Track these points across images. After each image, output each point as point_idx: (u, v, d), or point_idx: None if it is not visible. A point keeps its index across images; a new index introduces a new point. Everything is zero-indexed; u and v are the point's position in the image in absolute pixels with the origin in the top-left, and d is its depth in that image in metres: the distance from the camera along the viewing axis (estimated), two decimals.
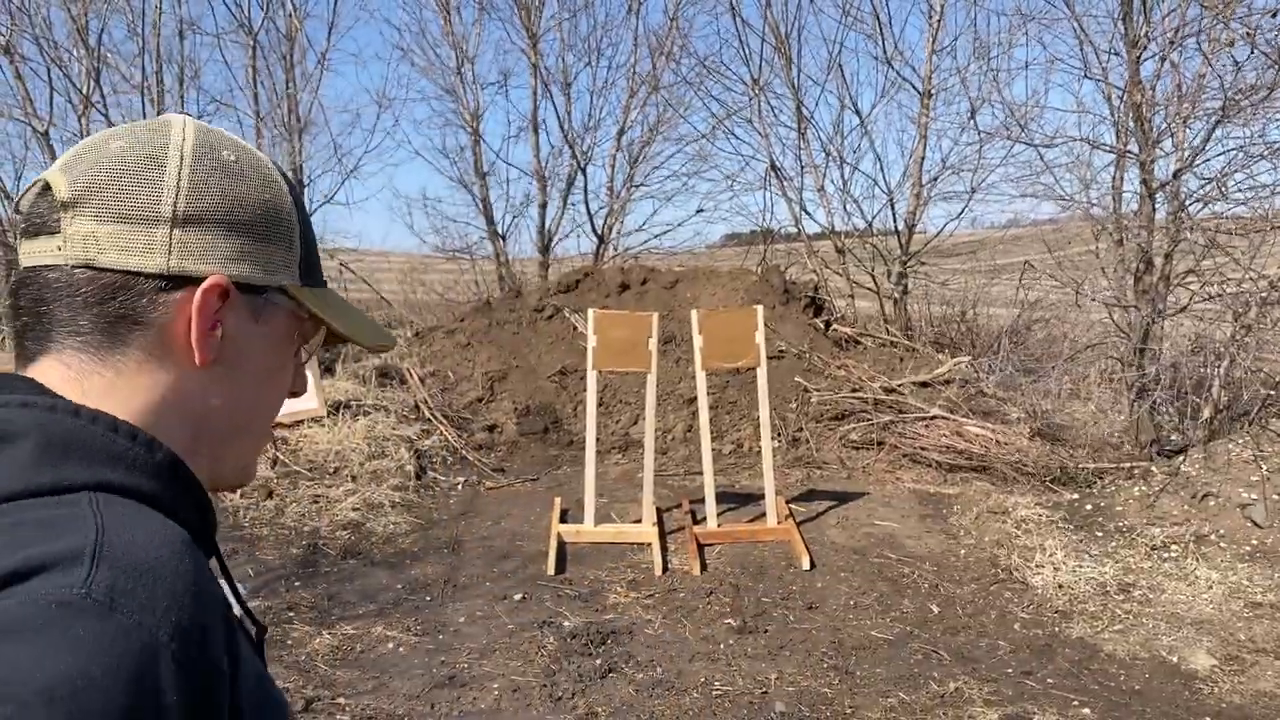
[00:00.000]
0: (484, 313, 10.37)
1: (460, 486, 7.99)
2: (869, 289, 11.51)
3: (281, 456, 7.86)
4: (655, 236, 15.13)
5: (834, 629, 5.64)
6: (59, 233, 0.79)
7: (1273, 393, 7.51)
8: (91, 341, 0.80)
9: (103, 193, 0.79)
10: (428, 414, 8.86)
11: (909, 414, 8.74)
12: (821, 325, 10.30)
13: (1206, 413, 8.02)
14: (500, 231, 15.23)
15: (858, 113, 11.16)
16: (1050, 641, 5.48)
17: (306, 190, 14.24)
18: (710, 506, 6.84)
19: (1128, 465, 7.54)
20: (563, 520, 7.10)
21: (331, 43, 14.58)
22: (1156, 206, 7.83)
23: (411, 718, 4.76)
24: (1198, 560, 6.29)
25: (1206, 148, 7.18)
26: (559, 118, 14.65)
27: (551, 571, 6.33)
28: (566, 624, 5.70)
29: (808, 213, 11.29)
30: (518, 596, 6.06)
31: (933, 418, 8.62)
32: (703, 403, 6.81)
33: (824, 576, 6.31)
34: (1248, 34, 6.22)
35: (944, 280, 11.77)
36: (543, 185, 14.95)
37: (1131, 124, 7.66)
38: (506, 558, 6.65)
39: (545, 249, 15.16)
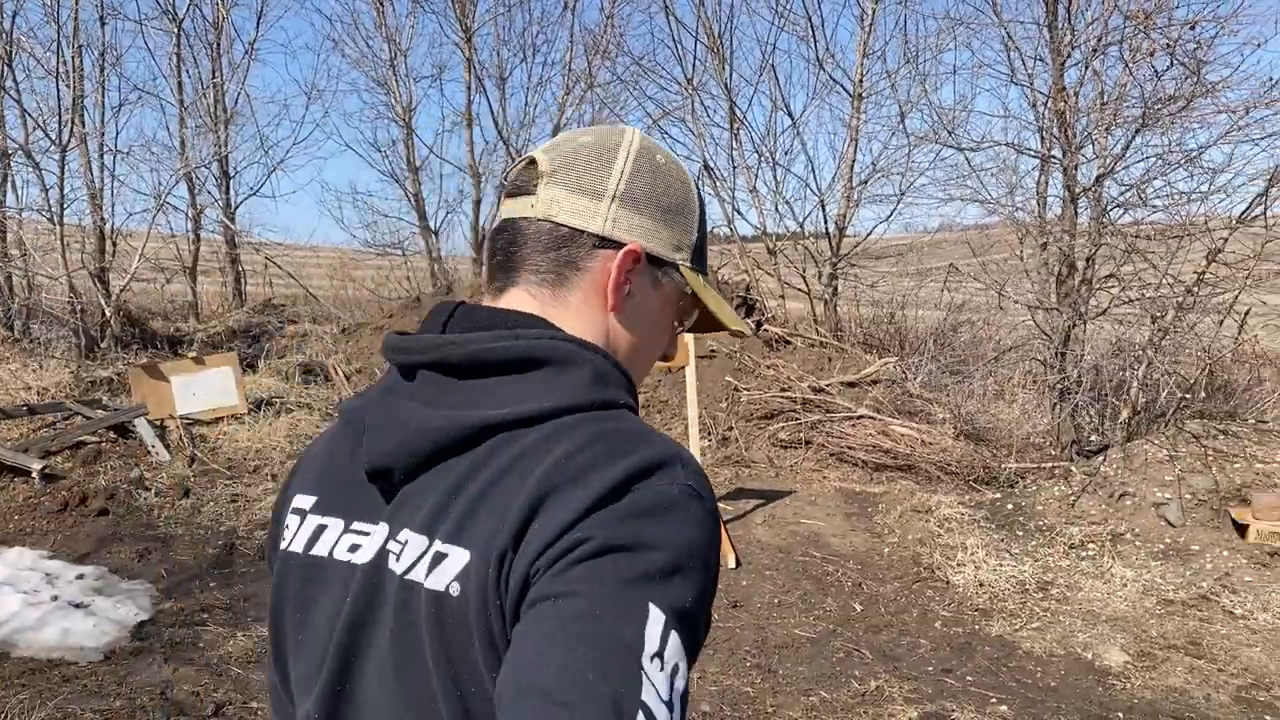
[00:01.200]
0: (414, 309, 10.21)
1: None
2: (800, 290, 11.57)
3: (200, 455, 7.64)
4: None
5: (758, 627, 5.64)
6: (534, 194, 1.03)
7: (1187, 395, 7.71)
8: (547, 279, 1.03)
9: (570, 169, 1.03)
10: None
11: (836, 413, 8.80)
12: (753, 325, 10.33)
13: (1125, 414, 8.20)
14: (433, 227, 15.05)
15: (790, 114, 11.27)
16: (970, 639, 5.53)
17: (231, 183, 13.94)
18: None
19: (1049, 465, 7.67)
20: None
21: (260, 32, 14.28)
22: (1079, 211, 7.98)
23: None
24: (1114, 559, 6.41)
25: (1127, 155, 7.34)
26: (493, 113, 14.52)
27: None
28: None
29: (740, 213, 11.36)
30: None
31: (859, 417, 8.69)
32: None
33: (749, 575, 6.31)
34: (1168, 45, 6.37)
35: (873, 282, 11.89)
36: (477, 181, 14.80)
37: (1055, 130, 7.80)
38: None
39: (479, 246, 14.99)
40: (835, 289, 11.73)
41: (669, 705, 0.76)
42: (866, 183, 11.67)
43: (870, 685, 5.02)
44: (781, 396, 9.08)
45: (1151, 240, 7.53)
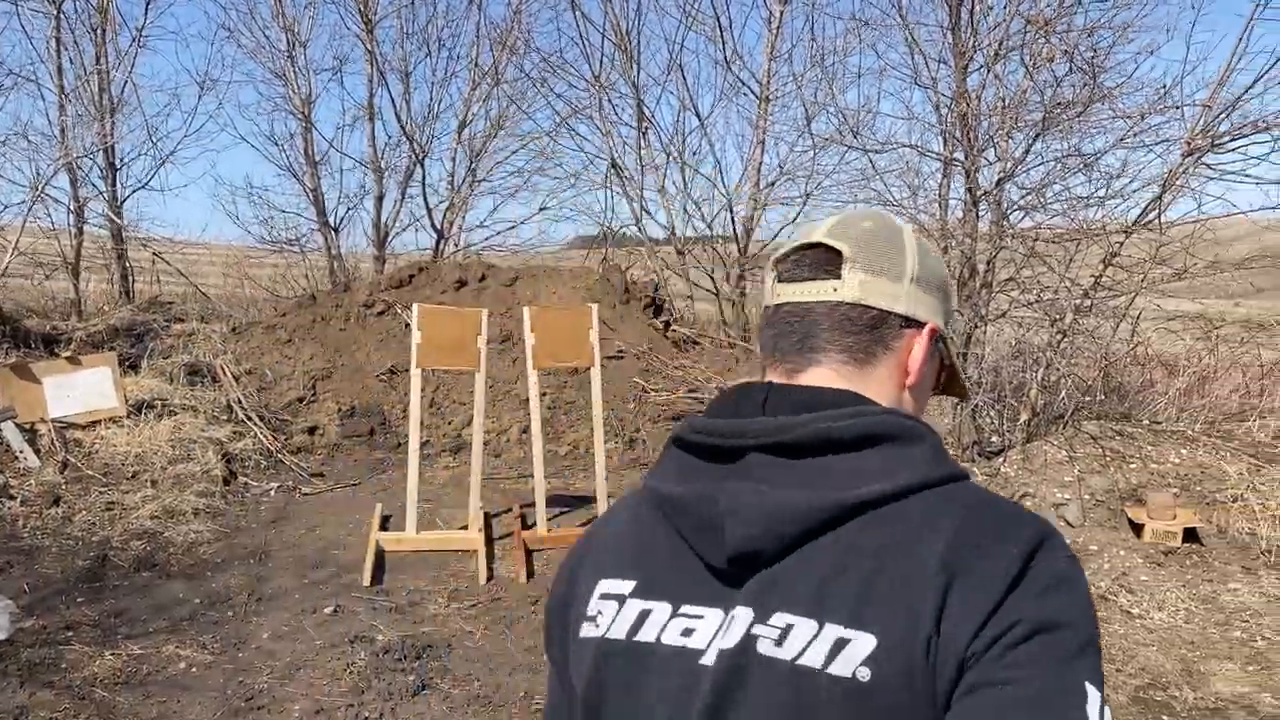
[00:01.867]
0: (308, 308, 9.82)
1: (273, 492, 7.48)
2: (709, 291, 11.51)
3: (73, 460, 7.18)
4: (498, 233, 14.77)
5: None
6: (838, 279, 1.05)
7: (1085, 397, 7.82)
8: (856, 357, 1.05)
9: (869, 255, 1.06)
10: (241, 415, 8.29)
11: None
12: (661, 326, 10.22)
13: (1024, 415, 8.30)
14: (333, 224, 14.57)
15: (698, 114, 11.16)
16: None
17: (118, 175, 13.28)
18: (540, 510, 6.59)
19: None
20: (384, 528, 6.72)
21: (149, 19, 13.59)
22: (980, 215, 8.04)
23: None
24: None
25: (1027, 159, 7.41)
26: (395, 108, 14.12)
27: (367, 582, 5.96)
28: (380, 638, 5.34)
29: (649, 213, 11.25)
30: (328, 609, 5.66)
31: None
32: (534, 403, 6.56)
33: None
34: (1067, 51, 6.43)
35: None
36: (379, 177, 14.38)
37: (958, 133, 7.84)
38: (319, 567, 6.23)
39: (381, 243, 14.59)
40: (744, 291, 11.69)
41: None
42: (774, 184, 11.67)
43: None
44: (690, 397, 8.97)
45: (1050, 244, 7.62)
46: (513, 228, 14.53)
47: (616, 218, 11.95)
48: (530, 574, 6.17)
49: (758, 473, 0.95)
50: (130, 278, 13.39)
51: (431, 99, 14.31)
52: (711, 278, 11.54)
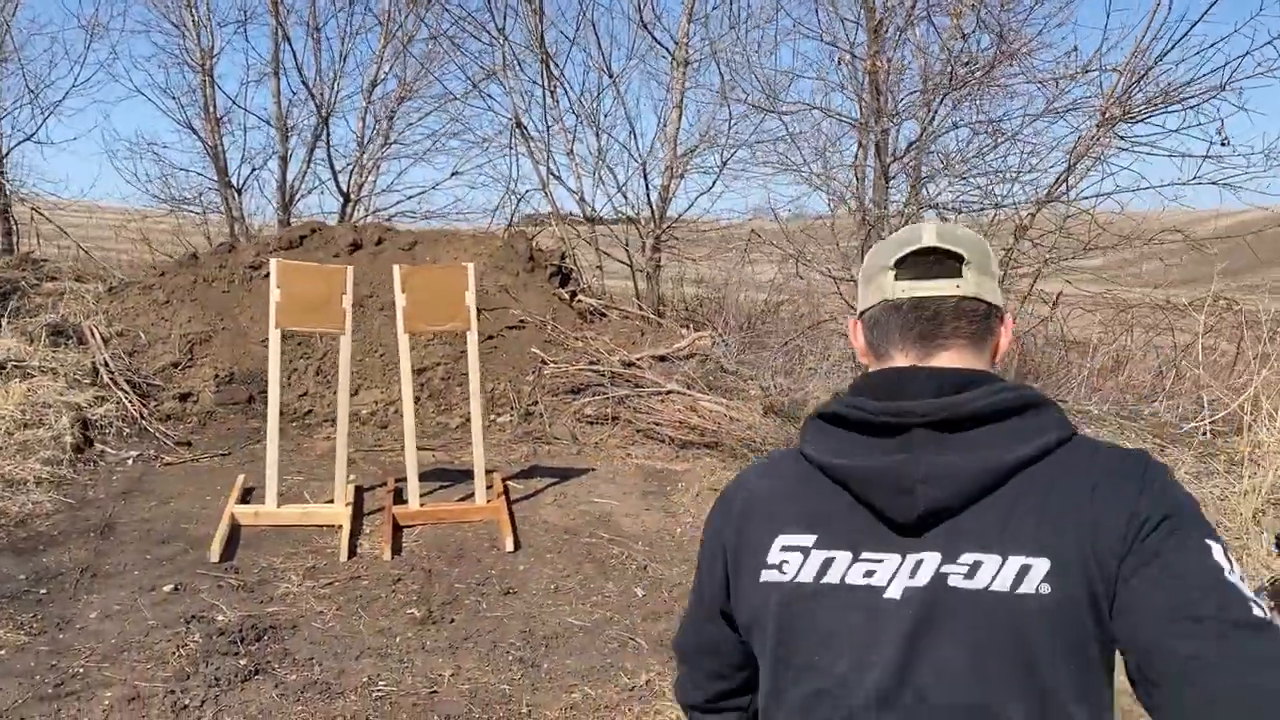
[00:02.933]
0: (189, 268, 9.25)
1: (131, 461, 6.98)
2: (621, 261, 11.14)
3: None
4: (409, 198, 14.22)
5: (528, 616, 5.14)
6: (960, 278, 1.26)
7: None
8: (971, 344, 1.28)
9: (976, 257, 1.29)
10: (106, 378, 7.75)
11: (646, 388, 8.39)
12: (567, 296, 9.83)
13: None
14: (235, 184, 13.92)
15: (610, 74, 10.70)
16: None
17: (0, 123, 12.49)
18: (412, 484, 6.20)
19: None
20: (246, 500, 6.27)
21: None
22: (891, 184, 7.78)
23: None
24: None
25: (935, 124, 7.15)
26: (299, 63, 13.47)
27: (215, 558, 5.52)
28: (220, 618, 4.92)
29: (556, 177, 10.76)
30: (168, 587, 5.22)
31: (668, 393, 8.31)
32: (405, 369, 6.14)
33: (528, 559, 5.81)
34: (974, 6, 6.15)
35: (696, 259, 11.54)
36: (284, 136, 13.75)
37: (868, 96, 7.55)
38: (166, 542, 5.77)
39: (286, 206, 13.97)
40: (658, 263, 11.34)
41: (1255, 595, 1.05)
42: (694, 151, 11.28)
43: (641, 679, 4.60)
44: (589, 370, 8.62)
45: (961, 215, 7.38)
46: (423, 193, 14.01)
47: (521, 180, 11.50)
48: (396, 550, 5.78)
49: (928, 445, 1.16)
50: (15, 235, 12.64)
51: (340, 56, 13.68)
52: (625, 247, 11.17)
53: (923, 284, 1.26)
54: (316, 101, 13.26)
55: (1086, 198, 7.47)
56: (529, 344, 8.98)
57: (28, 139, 12.57)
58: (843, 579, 1.18)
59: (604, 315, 9.71)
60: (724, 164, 10.53)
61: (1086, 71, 6.14)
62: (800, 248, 8.17)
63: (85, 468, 6.69)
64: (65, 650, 4.57)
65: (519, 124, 10.25)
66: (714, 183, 10.98)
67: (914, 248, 1.26)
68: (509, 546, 5.83)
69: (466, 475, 7.03)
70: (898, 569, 1.15)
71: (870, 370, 1.31)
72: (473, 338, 6.11)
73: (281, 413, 8.26)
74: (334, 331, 5.99)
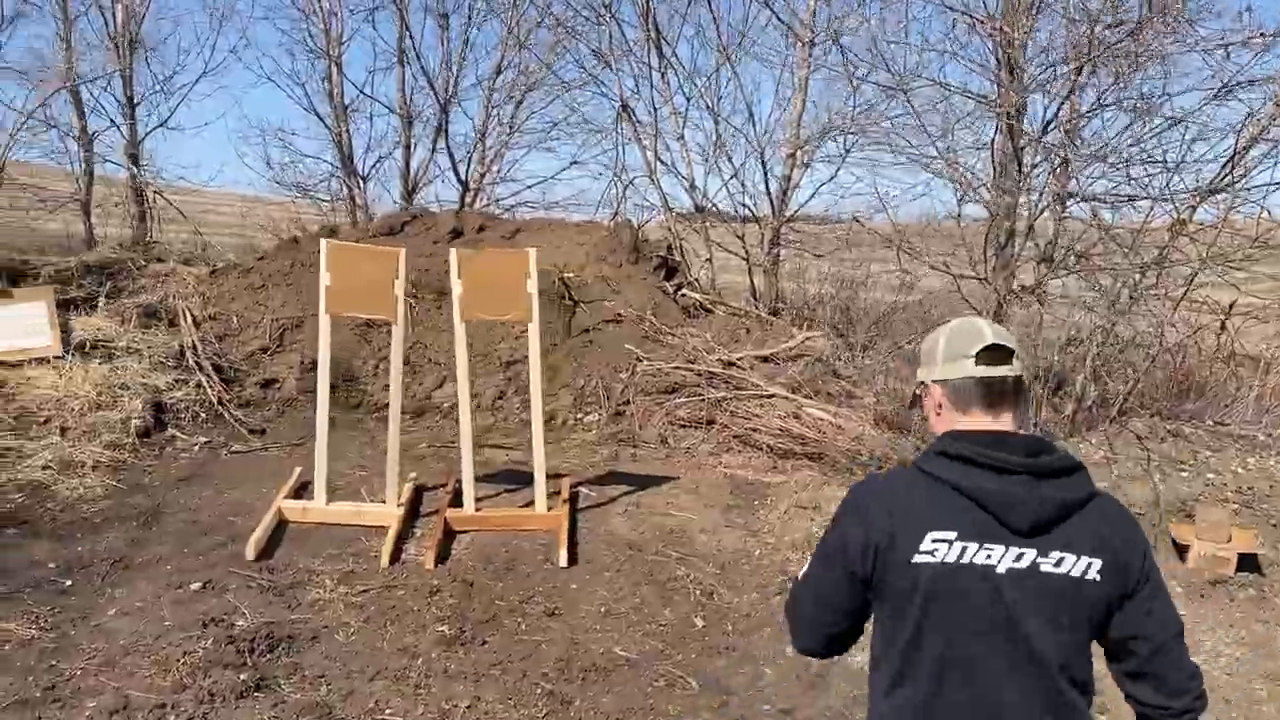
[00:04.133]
0: (287, 252, 9.11)
1: (198, 448, 6.78)
2: (733, 253, 10.44)
3: None
4: (528, 188, 13.91)
5: (570, 643, 4.59)
6: (1012, 365, 1.90)
7: (1135, 387, 6.60)
8: (1018, 410, 1.93)
9: (1017, 348, 1.93)
10: (192, 361, 7.62)
11: (746, 391, 7.72)
12: (671, 290, 9.23)
13: (1070, 408, 7.11)
14: (360, 172, 13.92)
15: (728, 57, 9.99)
16: (827, 671, 4.46)
17: (136, 111, 12.79)
18: (468, 487, 5.74)
19: None
20: (301, 495, 5.94)
21: None
22: (1024, 171, 6.84)
23: None
24: None
25: (1075, 98, 6.19)
26: (418, 52, 13.32)
27: (251, 556, 5.19)
28: (240, 624, 4.57)
29: (664, 163, 10.11)
30: (195, 585, 4.91)
31: (770, 396, 7.60)
32: (461, 362, 5.68)
33: (582, 576, 5.25)
34: None
35: (821, 254, 10.72)
36: (407, 125, 13.66)
37: (1003, 74, 6.65)
38: (207, 535, 5.48)
39: (409, 195, 13.90)
40: (777, 257, 10.59)
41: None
42: (821, 136, 10.42)
43: None
44: (686, 369, 8.00)
45: (1104, 203, 6.40)
46: (542, 182, 13.66)
47: (633, 170, 10.94)
48: (442, 558, 5.33)
49: (1033, 484, 1.79)
50: (149, 219, 12.94)
51: (463, 43, 13.46)
52: (742, 240, 10.46)
53: (996, 369, 1.88)
54: (436, 90, 13.08)
55: (1257, 187, 6.36)
56: (626, 340, 8.43)
57: (160, 125, 12.85)
58: (972, 560, 1.77)
59: (709, 311, 9.07)
60: (847, 151, 9.72)
61: (1257, 35, 5.10)
62: (905, 239, 7.31)
63: (149, 452, 6.53)
64: (70, 649, 4.29)
65: (625, 107, 9.68)
66: (836, 171, 10.16)
67: (986, 344, 1.88)
68: (562, 561, 5.29)
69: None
70: (1004, 555, 1.77)
71: (967, 430, 1.88)
72: (534, 329, 5.59)
73: (360, 403, 8.04)
74: (385, 319, 5.59)
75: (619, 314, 8.65)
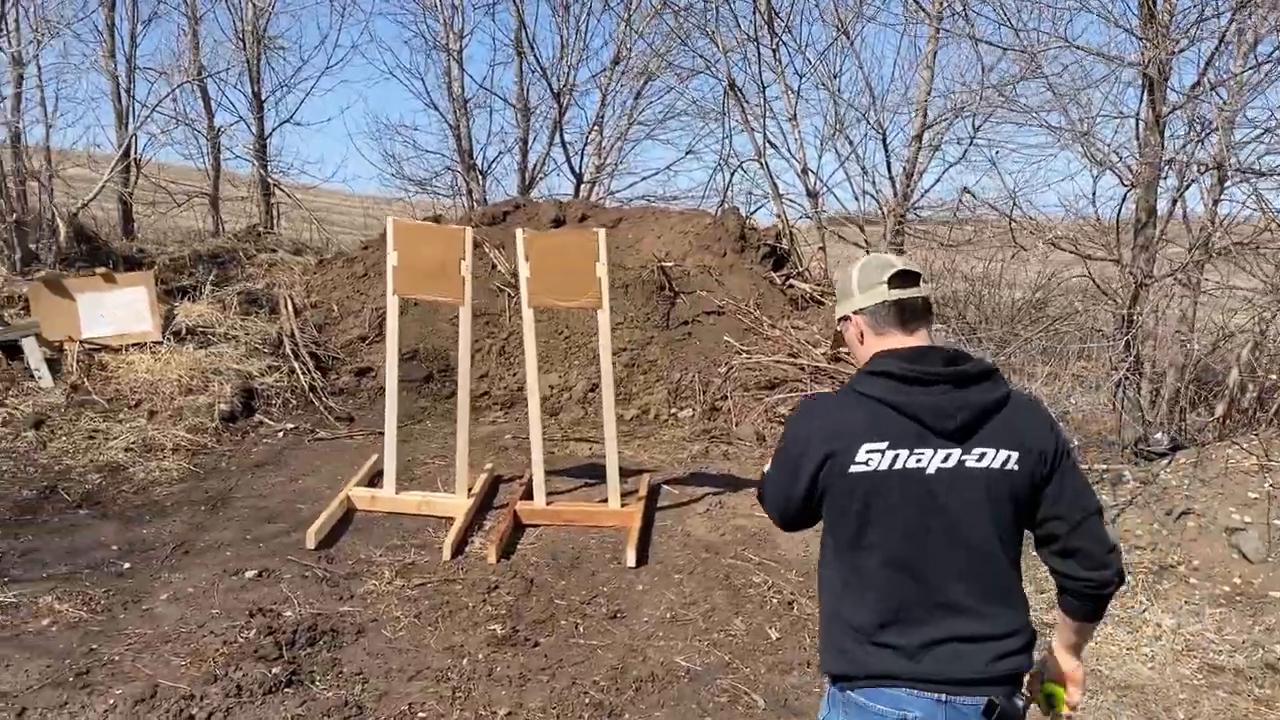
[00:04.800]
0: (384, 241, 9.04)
1: (283, 434, 6.71)
2: (855, 244, 9.85)
3: (85, 382, 6.68)
4: (643, 180, 13.61)
5: (628, 649, 4.22)
6: (921, 286, 2.07)
7: None
8: (929, 327, 2.08)
9: (921, 274, 2.11)
10: (289, 349, 7.60)
11: None
12: (779, 280, 8.74)
13: (1220, 409, 6.30)
14: (480, 167, 13.90)
15: (845, 30, 9.38)
16: None
17: (264, 106, 13.10)
18: (538, 479, 5.43)
19: (1100, 467, 5.88)
20: (376, 484, 5.76)
21: None
22: (1170, 137, 6.09)
23: None
24: (1152, 598, 4.68)
25: (1226, 46, 5.42)
26: (534, 45, 13.19)
27: (311, 544, 5.02)
28: (287, 614, 4.38)
29: (773, 145, 9.54)
30: (251, 573, 4.76)
31: None
32: (529, 349, 5.38)
33: (651, 578, 4.87)
34: None
35: (946, 243, 10.01)
36: (525, 118, 13.55)
37: (1146, 27, 5.92)
38: (272, 521, 5.35)
39: (526, 189, 13.79)
40: (900, 247, 9.94)
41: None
42: (958, 113, 9.65)
43: None
44: (789, 363, 7.51)
45: (1268, 177, 5.61)
46: (655, 174, 13.35)
47: (734, 152, 10.46)
48: (506, 553, 5.04)
49: (953, 390, 1.95)
50: (275, 212, 13.23)
51: (579, 33, 13.27)
52: (861, 229, 9.87)
53: (908, 290, 2.05)
54: (551, 82, 12.92)
55: None
56: (726, 332, 8.00)
57: (286, 120, 13.12)
58: (904, 466, 1.93)
59: (819, 303, 8.53)
60: (975, 130, 8.99)
61: None
62: (1024, 215, 6.59)
63: (231, 437, 6.49)
64: (114, 633, 4.18)
65: (733, 86, 9.18)
66: (964, 153, 9.44)
67: (896, 270, 2.06)
68: (630, 561, 4.92)
69: (624, 474, 6.18)
70: (933, 458, 1.93)
71: (889, 349, 2.05)
72: (604, 317, 5.23)
73: (453, 393, 7.84)
74: (452, 302, 5.34)
75: (720, 305, 8.23)
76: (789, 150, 9.30)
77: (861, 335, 2.11)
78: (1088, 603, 2.02)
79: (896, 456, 1.91)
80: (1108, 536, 2.00)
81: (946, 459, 1.91)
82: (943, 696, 1.92)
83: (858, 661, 1.99)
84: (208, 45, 12.16)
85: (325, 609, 4.45)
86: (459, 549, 5.06)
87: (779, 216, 9.12)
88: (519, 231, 5.20)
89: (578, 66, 13.58)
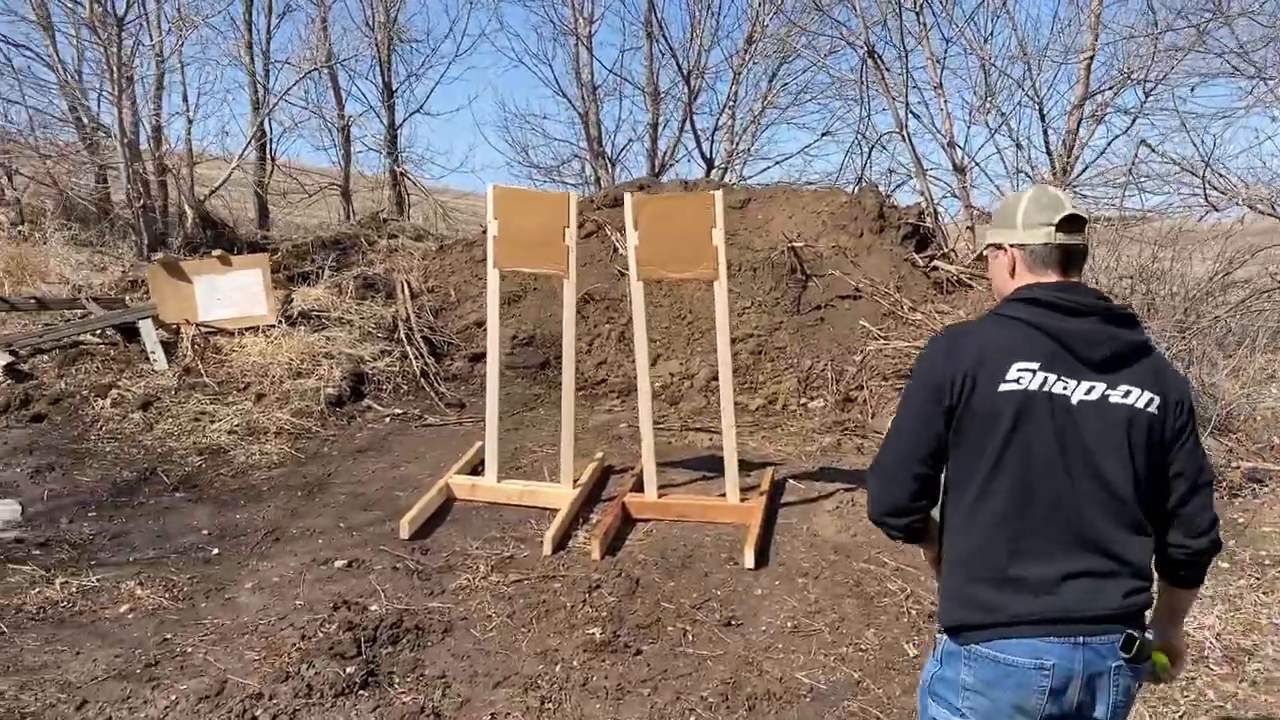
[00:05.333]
0: None
1: (390, 419, 6.44)
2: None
3: (198, 364, 6.58)
4: (775, 164, 13.00)
5: (743, 662, 3.71)
6: (1085, 233, 1.98)
7: None
8: (1080, 275, 2.01)
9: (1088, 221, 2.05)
10: (403, 333, 7.36)
11: None
12: (921, 262, 8.03)
13: None
14: (609, 155, 13.57)
15: None
16: None
17: (395, 99, 13.08)
18: (648, 470, 4.97)
19: None
20: (479, 472, 5.41)
21: None
22: None
23: (31, 714, 3.26)
24: None
25: None
26: (664, 28, 12.75)
27: (405, 535, 4.68)
28: (373, 608, 4.05)
29: (916, 117, 8.71)
30: (341, 563, 4.46)
31: None
32: (639, 326, 4.92)
33: (771, 581, 4.33)
34: None
35: (1112, 219, 9.03)
36: (655, 103, 13.14)
37: None
38: (368, 509, 5.06)
39: (657, 175, 13.37)
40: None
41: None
42: (1123, 83, 8.74)
43: None
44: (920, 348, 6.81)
45: None
46: (789, 158, 12.74)
47: (872, 127, 9.73)
48: (611, 549, 4.59)
49: (1105, 325, 1.90)
50: (405, 201, 13.22)
51: (711, 13, 12.78)
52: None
53: (1071, 236, 1.95)
54: (680, 64, 12.47)
55: None
56: (862, 317, 7.37)
57: (416, 111, 13.06)
58: (1050, 390, 1.87)
59: (967, 286, 7.78)
60: (1146, 96, 8.04)
61: None
62: (1217, 174, 5.70)
63: (336, 421, 6.26)
64: (191, 623, 3.93)
65: (871, 53, 8.45)
66: (1133, 121, 8.50)
67: (1066, 214, 1.94)
68: (749, 561, 4.40)
69: (746, 467, 5.65)
70: (1077, 388, 1.87)
71: (1040, 283, 1.96)
72: (720, 290, 4.71)
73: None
74: (555, 273, 4.92)
75: (856, 288, 7.59)
76: (933, 123, 8.56)
77: (1014, 269, 2.02)
78: (1187, 570, 2.01)
79: (1046, 379, 1.87)
80: (1213, 510, 1.98)
81: (1090, 391, 1.87)
82: (1079, 638, 1.83)
83: (987, 606, 1.88)
84: (336, 32, 12.19)
85: (413, 604, 4.09)
86: (561, 543, 4.64)
87: (922, 194, 8.39)
88: (627, 195, 4.75)
89: (710, 48, 13.11)
